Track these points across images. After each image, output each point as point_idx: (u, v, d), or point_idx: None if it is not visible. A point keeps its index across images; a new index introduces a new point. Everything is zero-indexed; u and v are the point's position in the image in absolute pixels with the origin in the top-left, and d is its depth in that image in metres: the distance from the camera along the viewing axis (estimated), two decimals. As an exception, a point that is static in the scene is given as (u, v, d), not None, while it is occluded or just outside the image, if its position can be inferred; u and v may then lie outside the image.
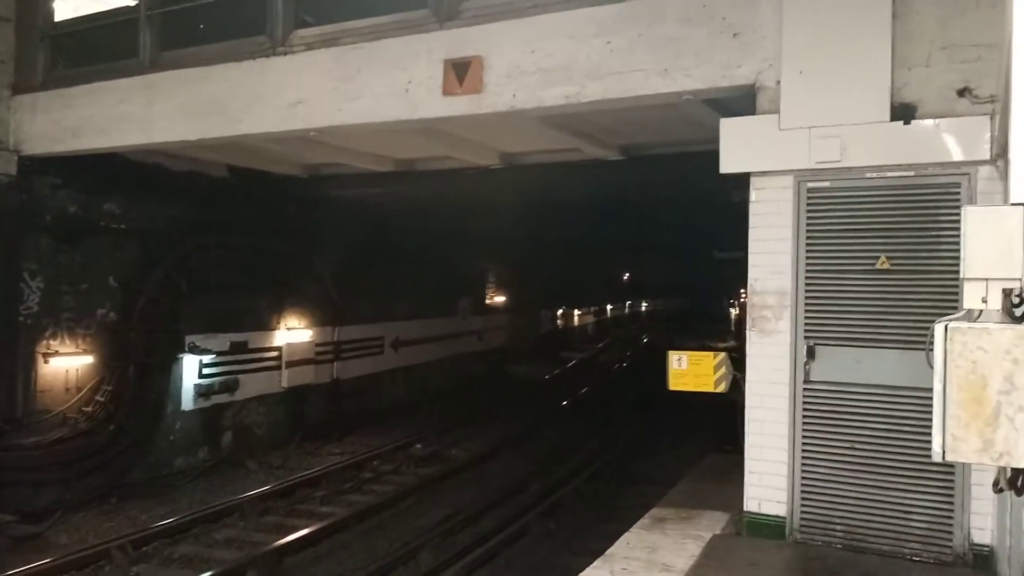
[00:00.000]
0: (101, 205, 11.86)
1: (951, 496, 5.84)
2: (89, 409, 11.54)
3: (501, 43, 7.43)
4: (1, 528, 9.56)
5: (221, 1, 9.52)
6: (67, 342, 11.37)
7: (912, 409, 5.86)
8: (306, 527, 10.02)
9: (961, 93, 5.81)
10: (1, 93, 10.60)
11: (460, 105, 7.63)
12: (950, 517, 5.84)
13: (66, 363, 11.35)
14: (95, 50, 10.59)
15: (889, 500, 6.01)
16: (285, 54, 8.64)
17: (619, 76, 6.95)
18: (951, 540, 5.84)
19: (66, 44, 10.84)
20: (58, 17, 10.86)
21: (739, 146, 6.51)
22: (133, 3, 10.09)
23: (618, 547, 6.30)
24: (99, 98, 9.84)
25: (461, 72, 7.50)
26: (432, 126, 9.10)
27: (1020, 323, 2.84)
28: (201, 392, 13.02)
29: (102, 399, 11.63)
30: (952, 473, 5.79)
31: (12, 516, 9.81)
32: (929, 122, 5.86)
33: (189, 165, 12.71)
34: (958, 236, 3.79)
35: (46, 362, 11.07)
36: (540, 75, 7.25)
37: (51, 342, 11.17)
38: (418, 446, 14.95)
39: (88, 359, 11.62)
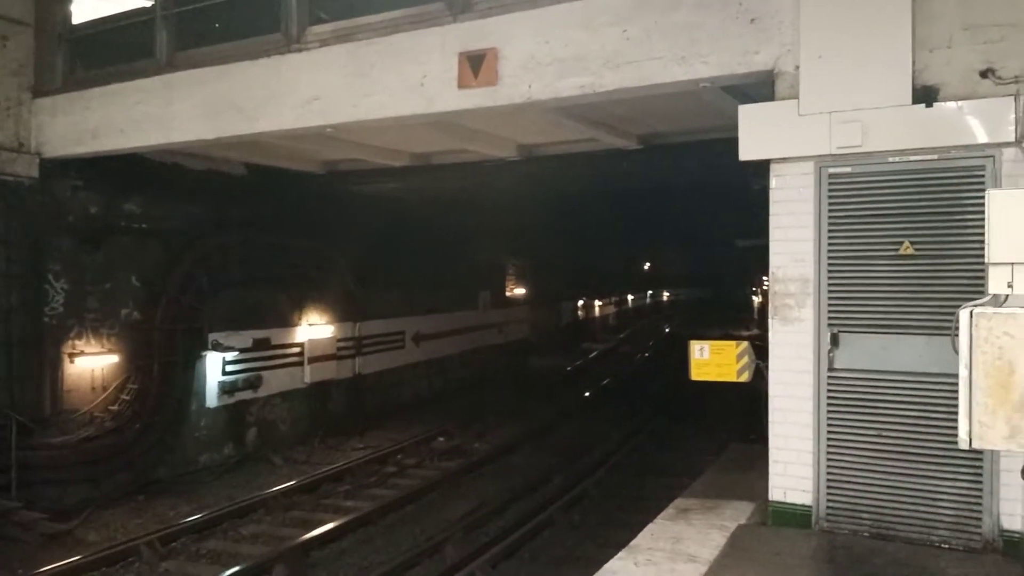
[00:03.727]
0: (122, 205, 11.97)
1: (980, 483, 5.75)
2: (115, 408, 11.66)
3: (515, 34, 7.39)
4: (31, 526, 9.68)
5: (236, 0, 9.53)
6: (92, 342, 11.50)
7: (939, 396, 5.78)
8: (331, 522, 10.07)
9: (984, 74, 5.70)
10: (22, 97, 10.70)
11: (475, 98, 7.60)
12: (979, 504, 5.76)
13: (91, 363, 11.48)
14: (113, 51, 10.65)
15: (917, 487, 5.94)
16: (300, 51, 8.65)
17: (636, 65, 6.89)
18: (980, 527, 5.76)
19: (84, 46, 10.92)
20: (76, 20, 10.93)
21: (759, 133, 6.43)
22: (149, 4, 10.11)
23: (642, 538, 6.27)
24: (117, 99, 9.90)
25: (476, 65, 7.47)
26: (448, 119, 9.07)
27: (1049, 307, 2.78)
28: (225, 389, 13.13)
29: (128, 398, 11.75)
30: (981, 460, 5.71)
31: (42, 514, 9.93)
32: (952, 104, 5.76)
33: (207, 164, 12.78)
34: (983, 219, 3.74)
35: (72, 362, 11.19)
36: (556, 66, 7.21)
37: (76, 342, 11.30)
38: (441, 440, 15.01)
39: (113, 358, 11.74)
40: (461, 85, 7.62)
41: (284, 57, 8.73)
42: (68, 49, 10.84)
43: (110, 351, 11.71)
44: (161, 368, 12.10)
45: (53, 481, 10.52)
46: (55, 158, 10.72)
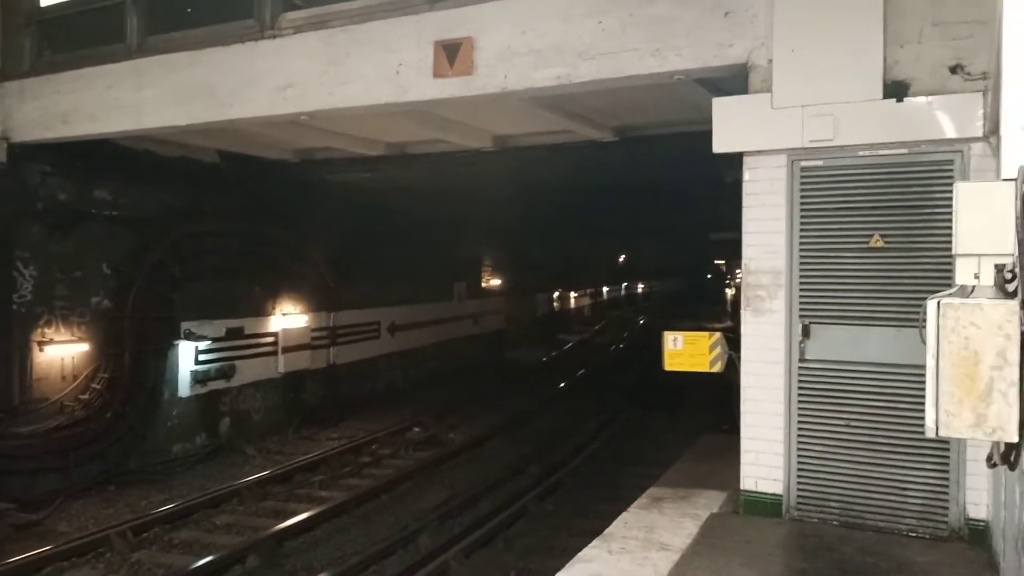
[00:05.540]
0: (92, 192, 11.80)
1: (947, 472, 5.86)
2: (86, 397, 11.53)
3: (492, 24, 7.37)
4: (0, 516, 9.57)
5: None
6: (62, 330, 11.35)
7: (907, 386, 5.87)
8: (305, 512, 10.04)
9: (953, 70, 5.78)
10: (-11, 80, 10.51)
11: (451, 87, 7.58)
12: (945, 493, 5.87)
13: (61, 351, 11.32)
14: (83, 35, 10.47)
15: (885, 477, 6.04)
16: (274, 37, 8.57)
17: (611, 56, 6.90)
18: (947, 515, 5.87)
19: (54, 29, 10.73)
20: (44, 2, 10.74)
21: (732, 125, 6.48)
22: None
23: (616, 527, 6.32)
24: (88, 84, 9.76)
25: (451, 54, 7.45)
26: (423, 109, 9.04)
27: (1012, 298, 2.83)
28: (198, 378, 13.02)
29: (98, 387, 11.62)
30: (947, 449, 5.82)
31: (11, 504, 9.82)
32: (922, 99, 5.84)
33: (179, 151, 12.63)
34: (951, 213, 3.80)
35: (41, 350, 11.04)
36: (531, 56, 7.20)
37: (46, 330, 11.14)
38: (415, 430, 15.00)
39: (83, 347, 11.60)
40: (436, 74, 7.60)
41: (258, 43, 8.65)
42: (37, 31, 10.64)
43: (80, 339, 11.57)
44: (132, 357, 11.98)
45: (22, 471, 10.38)
46: (24, 143, 10.52)
